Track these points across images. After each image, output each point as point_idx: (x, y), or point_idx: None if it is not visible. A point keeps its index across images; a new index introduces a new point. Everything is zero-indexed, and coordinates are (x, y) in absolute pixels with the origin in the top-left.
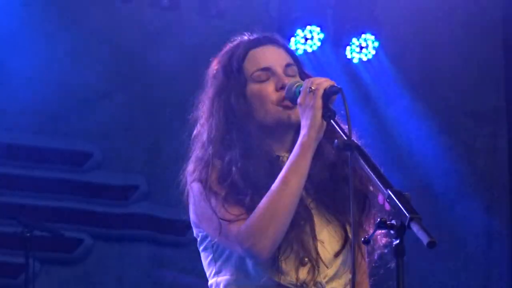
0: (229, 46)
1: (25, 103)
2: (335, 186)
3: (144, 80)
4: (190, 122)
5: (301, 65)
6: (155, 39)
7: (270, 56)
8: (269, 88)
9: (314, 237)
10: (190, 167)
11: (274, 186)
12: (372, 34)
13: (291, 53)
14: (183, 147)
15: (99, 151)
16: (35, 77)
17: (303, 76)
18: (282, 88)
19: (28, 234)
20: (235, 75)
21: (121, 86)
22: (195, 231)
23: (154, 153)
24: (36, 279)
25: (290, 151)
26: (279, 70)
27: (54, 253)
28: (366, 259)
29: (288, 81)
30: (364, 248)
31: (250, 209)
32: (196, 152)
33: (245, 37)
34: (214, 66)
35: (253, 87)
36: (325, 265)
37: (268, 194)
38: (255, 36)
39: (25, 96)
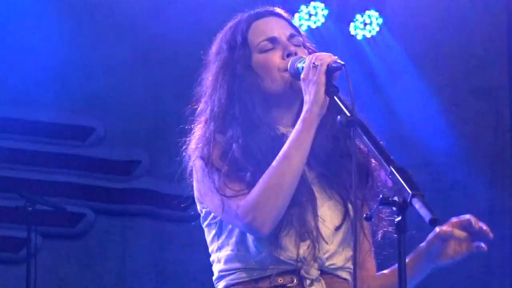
0: (231, 22)
1: (28, 76)
2: (337, 160)
3: (147, 55)
4: (193, 98)
5: (303, 37)
6: (158, 15)
7: (275, 26)
8: (275, 57)
9: (315, 215)
10: (193, 143)
11: (276, 161)
12: (376, 11)
13: (293, 25)
14: (186, 123)
15: (101, 126)
16: (38, 50)
17: (307, 48)
18: (288, 56)
19: (30, 208)
20: (239, 48)
21: (124, 61)
22: (198, 206)
23: (157, 128)
24: (37, 253)
25: (294, 125)
26: (284, 39)
27: (56, 227)
28: (371, 239)
29: (294, 49)
30: (368, 227)
31: (251, 185)
32: (199, 128)
33: (247, 13)
34: (217, 42)
35: (259, 57)
36: (325, 241)
37: (270, 169)
38: (257, 10)
39: (28, 70)
